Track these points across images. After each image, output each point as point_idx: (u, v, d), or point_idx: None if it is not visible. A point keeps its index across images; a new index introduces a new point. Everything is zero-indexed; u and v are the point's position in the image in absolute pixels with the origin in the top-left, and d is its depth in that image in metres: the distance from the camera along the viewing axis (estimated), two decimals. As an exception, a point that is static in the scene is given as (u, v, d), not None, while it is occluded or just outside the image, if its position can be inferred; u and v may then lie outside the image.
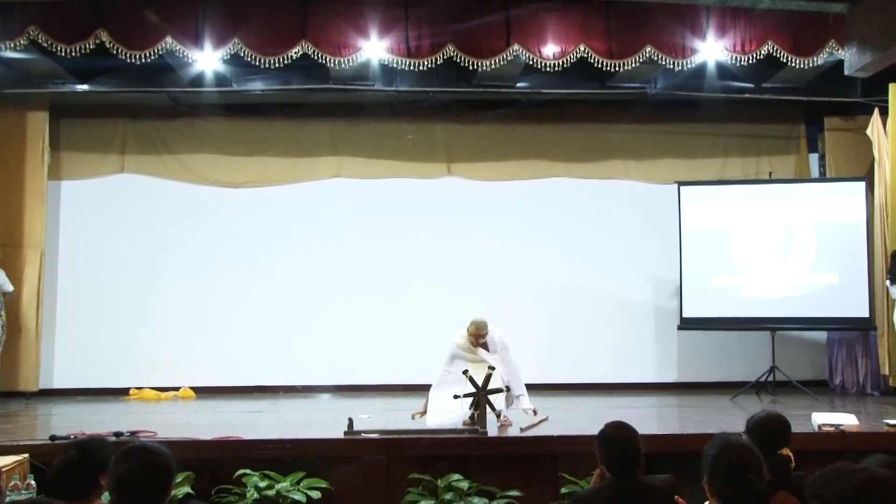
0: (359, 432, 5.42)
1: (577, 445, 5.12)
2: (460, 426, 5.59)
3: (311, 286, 8.77)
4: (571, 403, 7.68)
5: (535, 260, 8.90)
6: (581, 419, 6.51)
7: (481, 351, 5.96)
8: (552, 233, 8.94)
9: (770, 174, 8.69)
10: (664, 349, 8.83)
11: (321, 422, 6.50)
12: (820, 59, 7.18)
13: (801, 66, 7.23)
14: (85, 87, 7.91)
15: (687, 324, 8.22)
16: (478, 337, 5.95)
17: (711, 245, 8.16)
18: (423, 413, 5.96)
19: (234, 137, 8.85)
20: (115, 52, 6.91)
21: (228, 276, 8.73)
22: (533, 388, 8.16)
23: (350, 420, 5.45)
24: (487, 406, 5.56)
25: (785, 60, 7.22)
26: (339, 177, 8.90)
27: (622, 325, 8.83)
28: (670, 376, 8.84)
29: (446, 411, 5.77)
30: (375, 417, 6.42)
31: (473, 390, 5.55)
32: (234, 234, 8.80)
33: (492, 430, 5.50)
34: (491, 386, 5.59)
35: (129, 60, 6.96)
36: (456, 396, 5.62)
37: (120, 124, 8.76)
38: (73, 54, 6.90)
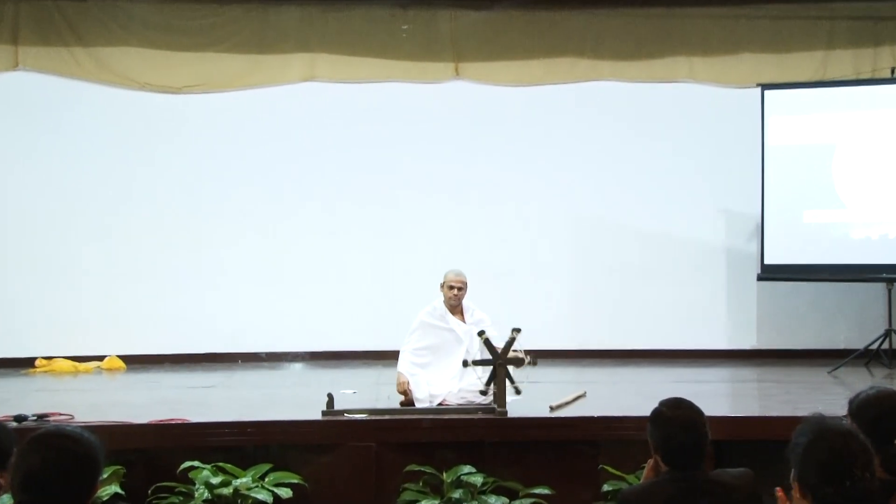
0: (341, 412, 5.48)
1: (624, 430, 5.20)
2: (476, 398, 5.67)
3: (276, 225, 8.77)
4: (617, 376, 7.74)
5: (570, 190, 8.87)
6: (629, 396, 6.56)
7: (455, 322, 6.10)
8: (592, 153, 8.87)
9: (893, 71, 8.55)
10: (739, 306, 8.85)
11: (292, 399, 6.57)
12: None
13: None
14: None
15: (770, 273, 8.22)
16: (458, 287, 6.09)
17: (806, 168, 8.09)
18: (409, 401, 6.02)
19: (170, 26, 8.73)
20: None
21: (168, 212, 8.71)
22: (567, 356, 8.34)
23: (329, 396, 5.50)
24: (507, 379, 5.58)
25: None
26: (313, 80, 8.83)
27: (684, 275, 8.83)
28: (747, 342, 8.87)
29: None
30: (362, 393, 6.47)
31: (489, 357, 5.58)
32: (174, 154, 8.73)
33: (513, 409, 5.52)
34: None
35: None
36: (465, 363, 5.65)
37: (9, 2, 8.56)
38: None
